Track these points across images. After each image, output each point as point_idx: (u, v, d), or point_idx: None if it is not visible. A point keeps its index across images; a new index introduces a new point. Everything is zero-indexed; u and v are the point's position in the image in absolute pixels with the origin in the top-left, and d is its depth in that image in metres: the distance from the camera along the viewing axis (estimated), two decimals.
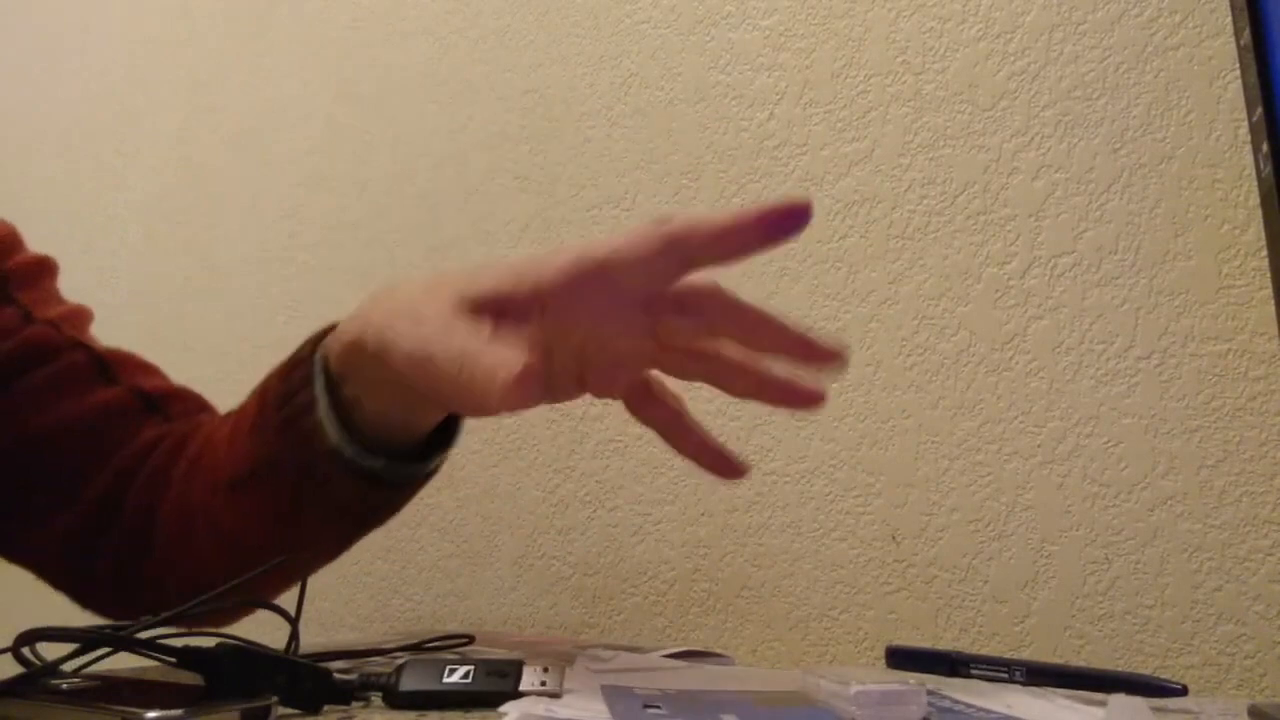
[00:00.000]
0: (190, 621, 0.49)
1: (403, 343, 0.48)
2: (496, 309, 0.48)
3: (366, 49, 1.06)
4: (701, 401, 0.84)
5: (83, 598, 0.65)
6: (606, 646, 0.66)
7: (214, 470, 0.60)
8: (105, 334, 0.70)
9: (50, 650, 0.43)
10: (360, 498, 0.56)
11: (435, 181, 1.00)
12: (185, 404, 0.67)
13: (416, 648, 0.66)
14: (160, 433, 0.64)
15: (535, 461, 0.91)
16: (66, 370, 0.64)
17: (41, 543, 0.64)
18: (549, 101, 0.94)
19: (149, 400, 0.66)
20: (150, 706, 0.38)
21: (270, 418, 0.56)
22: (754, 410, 0.81)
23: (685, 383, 0.54)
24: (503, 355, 0.44)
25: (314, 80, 1.09)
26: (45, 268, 0.70)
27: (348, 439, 0.53)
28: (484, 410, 0.48)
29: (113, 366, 0.66)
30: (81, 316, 0.69)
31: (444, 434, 0.58)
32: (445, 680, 0.47)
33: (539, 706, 0.44)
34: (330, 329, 0.55)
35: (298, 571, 0.56)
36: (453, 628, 0.92)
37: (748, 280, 0.82)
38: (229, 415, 0.63)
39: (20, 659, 0.42)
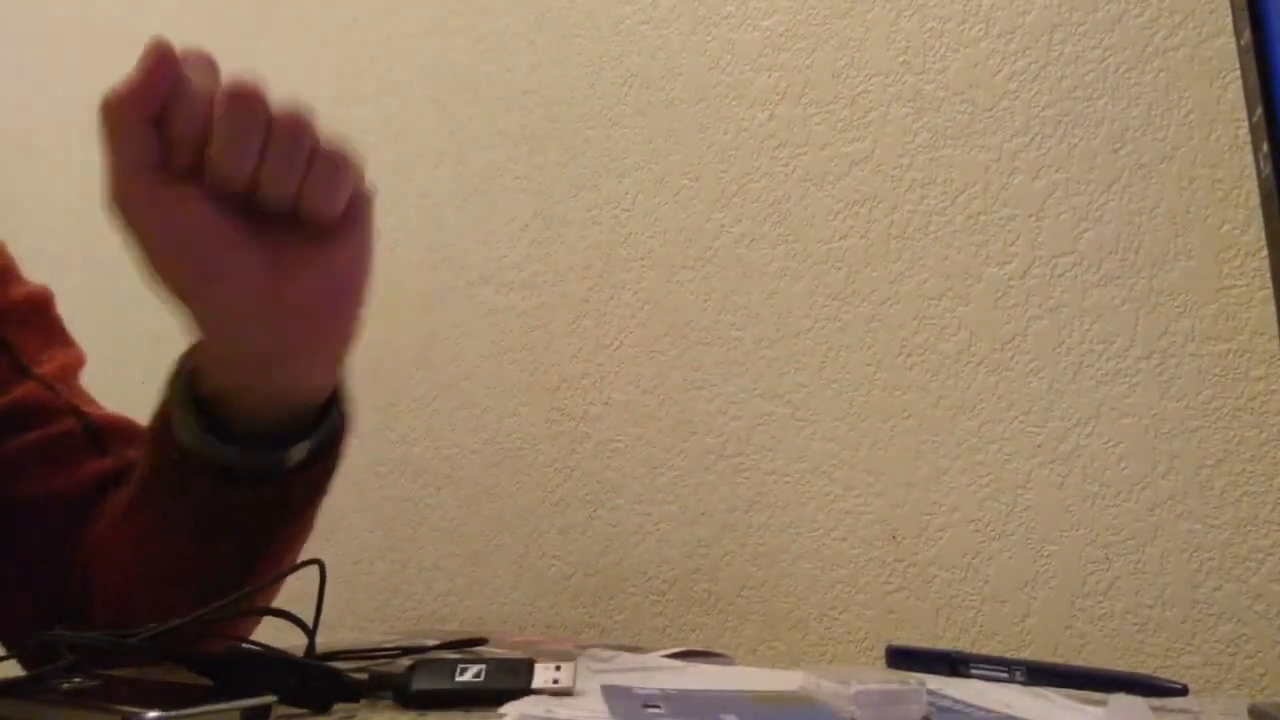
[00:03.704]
0: (185, 641, 0.48)
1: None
2: None
3: (366, 49, 1.06)
4: (702, 400, 0.84)
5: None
6: (606, 646, 0.66)
7: (114, 505, 0.60)
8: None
9: None
10: (224, 499, 0.54)
11: (435, 181, 1.00)
12: None
13: (431, 648, 0.66)
14: None
15: (535, 461, 0.91)
16: (59, 438, 0.63)
17: (11, 608, 0.62)
18: (549, 101, 0.94)
19: None
20: (150, 706, 0.38)
21: (146, 433, 0.57)
22: (754, 409, 0.81)
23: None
24: None
25: (314, 80, 1.09)
26: (38, 302, 0.68)
27: (200, 429, 0.53)
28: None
29: (104, 436, 0.64)
30: (74, 368, 0.67)
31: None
32: (458, 679, 0.47)
33: (539, 707, 0.44)
34: None
35: (215, 592, 0.52)
36: (452, 628, 0.92)
37: (746, 280, 0.82)
38: None
39: (39, 662, 0.42)
